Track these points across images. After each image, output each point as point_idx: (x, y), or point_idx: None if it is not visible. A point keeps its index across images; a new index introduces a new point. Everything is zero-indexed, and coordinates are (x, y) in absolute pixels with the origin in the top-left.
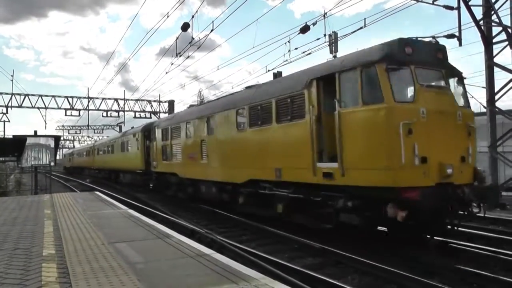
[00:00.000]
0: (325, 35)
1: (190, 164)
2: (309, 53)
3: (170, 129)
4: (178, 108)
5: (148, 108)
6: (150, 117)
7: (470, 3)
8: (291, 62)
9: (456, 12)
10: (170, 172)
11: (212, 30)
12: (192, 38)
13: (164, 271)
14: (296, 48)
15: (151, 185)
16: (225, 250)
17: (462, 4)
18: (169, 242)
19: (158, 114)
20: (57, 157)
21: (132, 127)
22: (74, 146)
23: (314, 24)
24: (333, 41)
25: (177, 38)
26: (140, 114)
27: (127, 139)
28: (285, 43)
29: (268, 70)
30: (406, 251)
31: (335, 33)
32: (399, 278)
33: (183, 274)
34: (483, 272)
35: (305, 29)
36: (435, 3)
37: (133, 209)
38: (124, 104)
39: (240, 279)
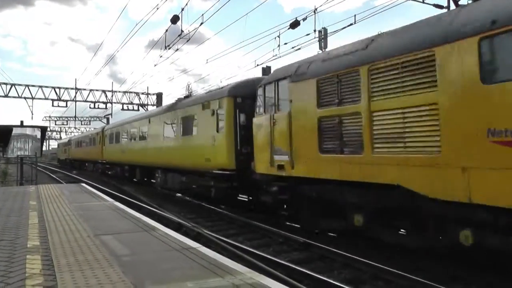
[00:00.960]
0: (315, 30)
1: None
2: (299, 49)
3: (370, 73)
4: (166, 101)
5: (136, 101)
6: (138, 110)
7: (459, 2)
8: (280, 57)
9: (445, 11)
10: (363, 181)
11: (201, 23)
12: (182, 31)
13: (149, 264)
14: (285, 43)
15: (251, 201)
16: (212, 244)
17: (451, 3)
18: (155, 235)
19: (146, 106)
20: (43, 148)
21: (175, 99)
22: (60, 138)
23: (304, 19)
24: (322, 37)
25: (166, 30)
26: (128, 106)
27: (185, 115)
28: (275, 38)
29: (257, 65)
30: (393, 248)
31: (325, 29)
32: (385, 274)
33: (168, 267)
34: None
35: (295, 24)
36: (425, 1)
37: (119, 202)
38: (112, 96)
39: (226, 272)
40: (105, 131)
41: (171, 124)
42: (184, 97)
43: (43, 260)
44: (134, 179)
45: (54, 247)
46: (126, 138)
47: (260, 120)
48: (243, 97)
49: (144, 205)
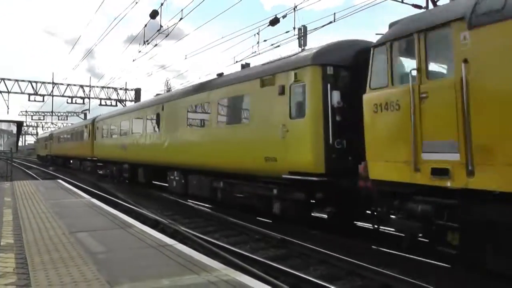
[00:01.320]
0: (294, 28)
1: None
2: (278, 46)
3: None
4: (145, 97)
5: (114, 96)
6: (116, 105)
7: (438, 3)
8: (259, 54)
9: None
10: None
11: (181, 19)
12: (161, 26)
13: (125, 261)
14: (265, 40)
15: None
16: (189, 241)
17: (430, 3)
18: (131, 232)
19: (124, 102)
20: (19, 143)
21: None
22: (37, 133)
23: (284, 17)
24: (302, 35)
25: (145, 25)
26: (105, 102)
27: (226, 96)
28: (254, 34)
29: (236, 61)
30: (369, 243)
31: (305, 27)
32: (361, 270)
33: (144, 264)
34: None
35: (274, 21)
36: (404, 1)
37: (96, 199)
38: (90, 91)
39: (202, 269)
40: (96, 123)
41: (201, 110)
42: (217, 75)
43: (16, 259)
44: (126, 181)
45: (28, 245)
46: (126, 130)
47: (382, 96)
48: (337, 65)
49: (121, 202)
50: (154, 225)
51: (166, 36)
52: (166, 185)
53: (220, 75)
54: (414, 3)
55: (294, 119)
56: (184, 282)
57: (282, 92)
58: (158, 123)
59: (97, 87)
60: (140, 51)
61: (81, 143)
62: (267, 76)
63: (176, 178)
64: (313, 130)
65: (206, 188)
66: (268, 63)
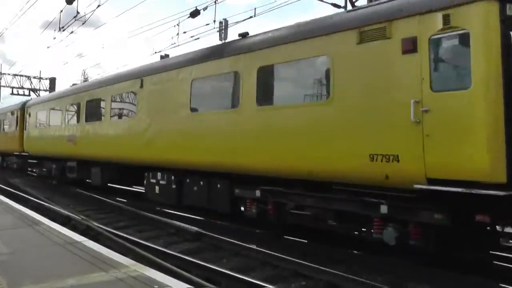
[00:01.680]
0: (215, 21)
1: None
2: (198, 38)
3: None
4: (60, 87)
5: (27, 85)
6: (29, 95)
7: (356, 3)
8: (179, 45)
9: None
10: None
11: (98, 6)
12: (78, 12)
13: (30, 262)
14: (184, 32)
15: None
16: (101, 237)
17: (348, 3)
18: (39, 230)
19: (38, 91)
20: None
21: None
22: None
23: (204, 9)
24: (223, 28)
25: (61, 11)
26: (18, 91)
27: (271, 62)
28: (174, 26)
29: (155, 52)
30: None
31: (225, 20)
32: (273, 260)
33: (50, 264)
34: None
35: (195, 13)
36: (324, 0)
37: (2, 194)
38: (0, 78)
39: (111, 266)
40: (28, 109)
41: (220, 85)
42: (240, 35)
43: None
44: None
45: None
46: (75, 117)
47: None
48: None
49: (31, 198)
50: (66, 221)
51: (83, 24)
52: (140, 190)
53: (243, 35)
54: (333, 2)
55: (443, 91)
56: (91, 280)
57: (411, 48)
58: (133, 105)
59: (9, 74)
60: (55, 38)
61: (5, 135)
62: (373, 25)
63: (161, 182)
64: (488, 111)
65: (221, 198)
66: (363, 7)
